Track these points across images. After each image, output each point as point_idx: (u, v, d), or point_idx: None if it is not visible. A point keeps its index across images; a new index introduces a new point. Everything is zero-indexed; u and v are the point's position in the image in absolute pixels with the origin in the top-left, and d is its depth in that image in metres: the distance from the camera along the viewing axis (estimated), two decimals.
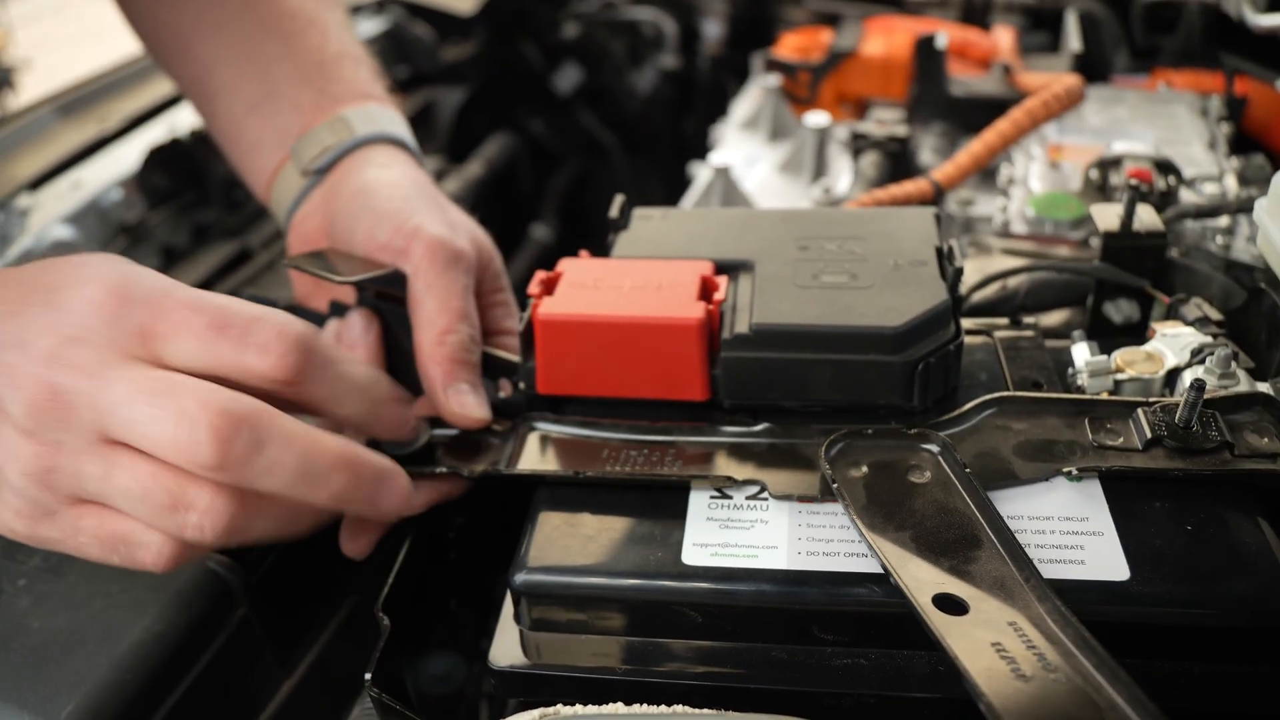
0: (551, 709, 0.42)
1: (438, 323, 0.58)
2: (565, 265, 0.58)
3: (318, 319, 0.64)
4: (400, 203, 0.62)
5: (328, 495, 0.48)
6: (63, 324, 0.45)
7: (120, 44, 1.01)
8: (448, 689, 0.66)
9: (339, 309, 0.63)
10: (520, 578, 0.46)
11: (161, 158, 1.01)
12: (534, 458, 0.53)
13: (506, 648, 0.47)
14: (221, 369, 0.46)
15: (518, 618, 0.48)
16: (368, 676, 0.47)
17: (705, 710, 0.41)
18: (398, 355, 0.61)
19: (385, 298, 0.61)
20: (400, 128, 0.70)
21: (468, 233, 0.64)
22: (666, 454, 0.51)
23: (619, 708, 0.42)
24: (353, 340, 0.60)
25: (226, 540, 0.46)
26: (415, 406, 0.57)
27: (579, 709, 0.42)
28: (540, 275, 0.56)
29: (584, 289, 0.55)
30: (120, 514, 0.46)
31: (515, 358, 0.58)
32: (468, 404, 0.56)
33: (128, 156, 1.01)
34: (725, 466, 0.50)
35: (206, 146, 1.03)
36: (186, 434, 0.43)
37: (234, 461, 0.44)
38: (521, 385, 0.56)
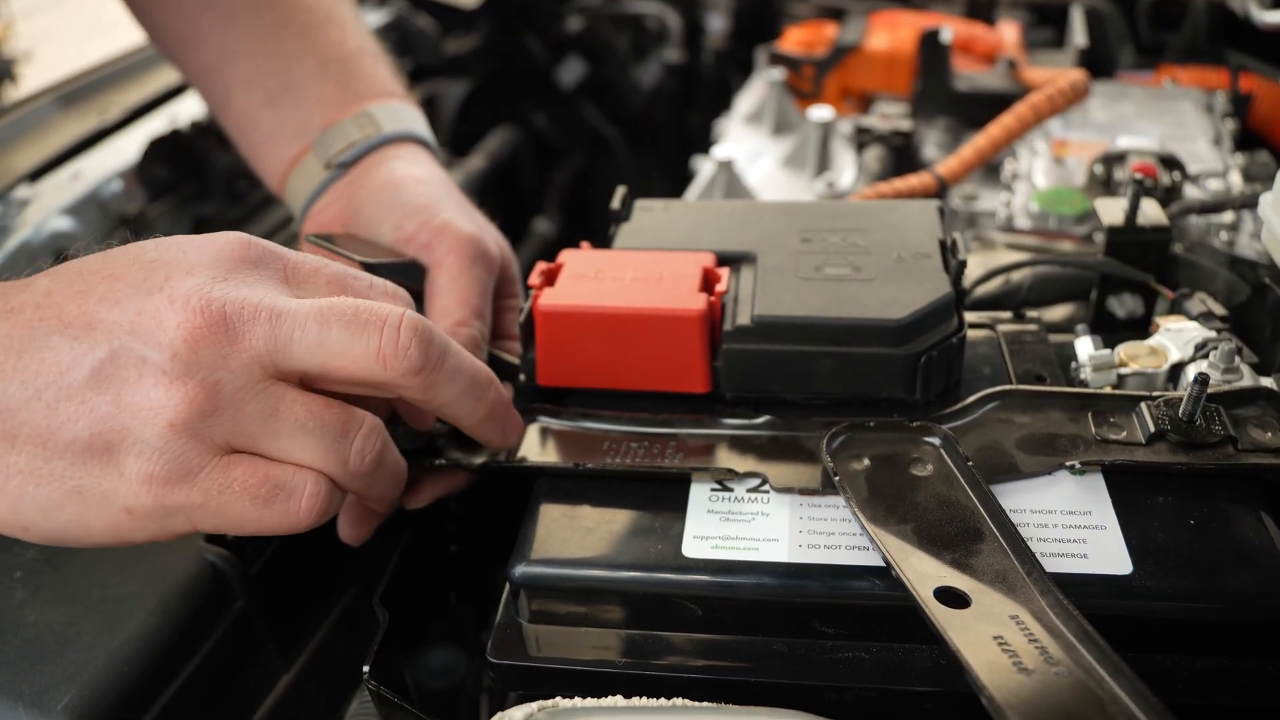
0: (550, 702, 0.42)
1: (454, 314, 0.58)
2: (566, 256, 0.57)
3: None
4: (429, 199, 0.62)
5: (485, 409, 0.49)
6: (204, 267, 0.43)
7: (121, 35, 1.01)
8: (447, 682, 0.66)
9: None
10: (520, 570, 0.46)
11: (162, 149, 1.01)
12: (534, 450, 0.53)
13: (506, 641, 0.47)
14: None
15: (517, 610, 0.47)
16: (366, 669, 0.47)
17: (705, 704, 0.41)
18: None
19: None
20: (423, 128, 0.71)
21: (492, 236, 0.64)
22: (667, 446, 0.51)
23: (618, 701, 0.42)
24: None
25: (369, 478, 0.46)
26: None
27: (578, 702, 0.42)
28: (541, 266, 0.56)
29: (585, 280, 0.55)
30: (270, 460, 0.44)
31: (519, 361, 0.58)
32: None
33: (128, 148, 1.00)
34: (726, 459, 0.50)
35: (207, 138, 1.02)
36: (391, 345, 0.44)
37: (432, 363, 0.45)
38: (523, 377, 0.56)
